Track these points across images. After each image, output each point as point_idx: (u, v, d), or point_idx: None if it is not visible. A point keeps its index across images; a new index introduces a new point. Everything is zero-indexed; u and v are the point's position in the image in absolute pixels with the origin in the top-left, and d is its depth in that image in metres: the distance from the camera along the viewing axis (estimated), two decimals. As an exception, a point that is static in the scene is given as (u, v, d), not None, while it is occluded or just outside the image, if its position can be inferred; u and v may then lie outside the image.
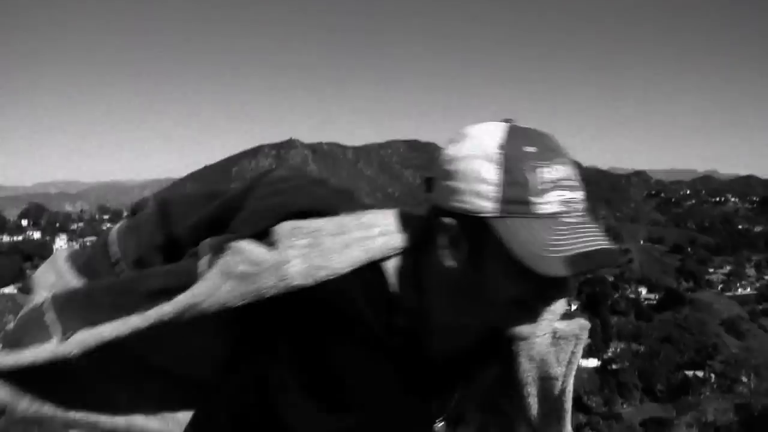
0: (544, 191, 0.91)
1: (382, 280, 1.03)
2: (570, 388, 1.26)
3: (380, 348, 1.05)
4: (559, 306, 1.16)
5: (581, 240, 0.91)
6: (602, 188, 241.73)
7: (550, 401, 1.25)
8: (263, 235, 1.02)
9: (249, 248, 0.99)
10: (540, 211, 0.91)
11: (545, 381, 1.23)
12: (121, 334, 1.01)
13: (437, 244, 0.98)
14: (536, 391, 1.23)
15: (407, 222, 1.06)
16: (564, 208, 0.92)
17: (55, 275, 1.20)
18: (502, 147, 0.93)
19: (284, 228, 1.01)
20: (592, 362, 65.68)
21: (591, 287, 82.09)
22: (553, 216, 0.91)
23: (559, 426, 1.26)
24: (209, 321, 1.02)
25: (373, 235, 1.02)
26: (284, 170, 1.15)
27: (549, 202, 0.91)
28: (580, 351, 1.24)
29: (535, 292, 0.95)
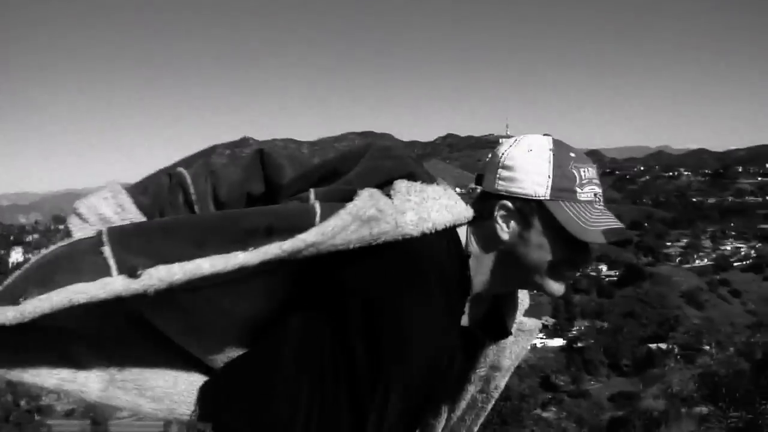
0: (584, 184, 1.23)
1: (458, 241, 1.25)
2: (502, 386, 1.51)
3: (453, 301, 1.25)
4: (526, 300, 1.48)
5: (610, 221, 1.23)
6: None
7: (483, 393, 1.49)
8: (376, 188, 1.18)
9: (378, 195, 1.14)
10: (582, 198, 1.23)
11: (492, 370, 1.46)
12: (223, 270, 1.05)
13: (494, 220, 1.25)
14: (478, 379, 1.46)
15: (466, 200, 1.29)
16: (596, 198, 1.25)
17: (113, 208, 1.20)
18: (552, 150, 1.24)
19: (401, 185, 1.20)
20: (558, 342, 66.18)
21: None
22: (589, 202, 1.23)
23: (477, 419, 1.53)
24: (279, 264, 1.10)
25: (454, 204, 1.23)
26: (388, 141, 1.28)
27: (586, 193, 1.23)
28: (527, 349, 1.52)
29: (568, 259, 1.24)
